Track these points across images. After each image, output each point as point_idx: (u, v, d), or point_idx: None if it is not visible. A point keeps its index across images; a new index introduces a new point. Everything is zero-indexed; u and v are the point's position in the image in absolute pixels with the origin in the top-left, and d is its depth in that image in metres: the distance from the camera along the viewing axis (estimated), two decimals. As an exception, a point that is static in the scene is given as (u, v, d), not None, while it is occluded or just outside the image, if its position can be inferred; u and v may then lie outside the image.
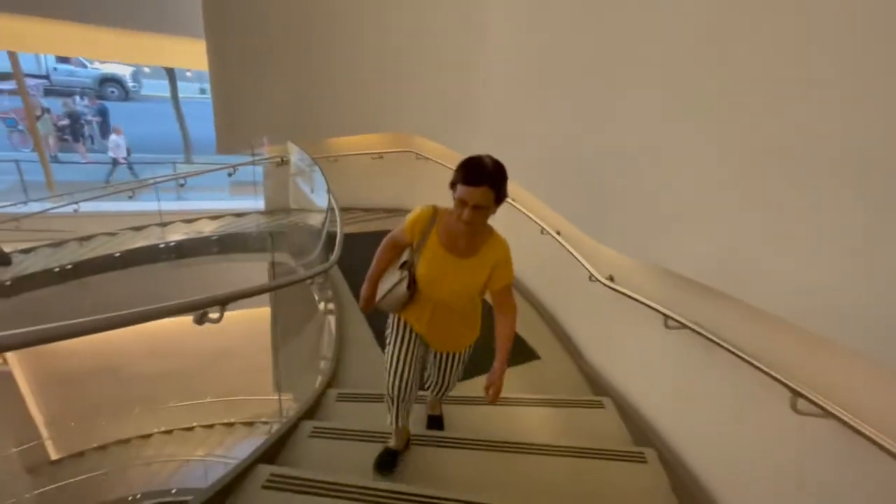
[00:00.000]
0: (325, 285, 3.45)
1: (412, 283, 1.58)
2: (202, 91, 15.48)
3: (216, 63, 4.61)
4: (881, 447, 1.18)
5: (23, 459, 6.12)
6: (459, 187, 1.34)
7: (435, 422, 2.20)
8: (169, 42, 6.16)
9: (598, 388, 2.68)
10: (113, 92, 14.00)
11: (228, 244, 4.71)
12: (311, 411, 2.24)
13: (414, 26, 4.26)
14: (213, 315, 1.35)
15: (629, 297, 2.32)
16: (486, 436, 2.09)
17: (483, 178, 1.31)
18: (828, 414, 1.31)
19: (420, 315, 1.66)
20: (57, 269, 4.95)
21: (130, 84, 14.48)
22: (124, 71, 14.29)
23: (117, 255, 4.91)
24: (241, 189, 7.81)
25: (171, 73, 10.75)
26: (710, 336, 1.80)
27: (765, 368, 1.53)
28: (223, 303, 1.35)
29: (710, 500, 1.82)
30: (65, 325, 1.06)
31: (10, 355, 6.34)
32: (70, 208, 5.49)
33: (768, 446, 1.63)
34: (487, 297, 1.67)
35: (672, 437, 2.13)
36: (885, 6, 1.12)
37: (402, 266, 1.60)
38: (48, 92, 12.95)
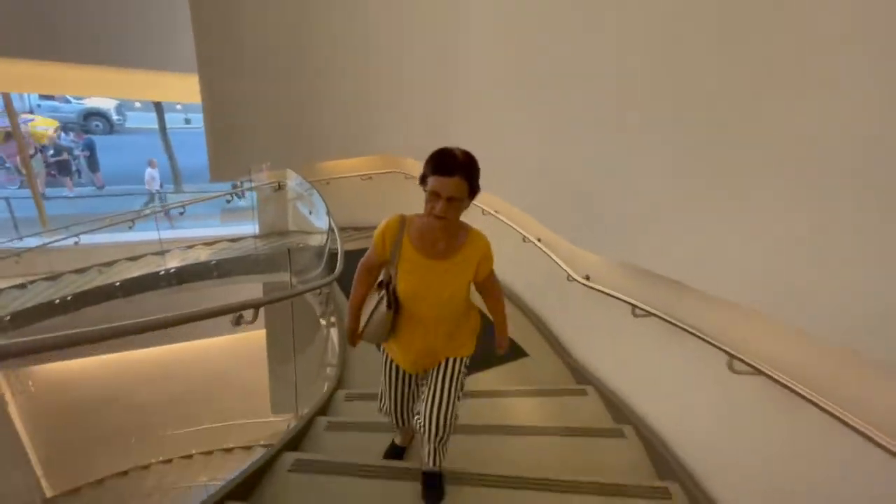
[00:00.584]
0: (327, 299, 3.68)
1: (393, 302, 1.46)
2: (188, 121, 15.71)
3: (208, 95, 4.87)
4: (804, 398, 1.48)
5: (19, 499, 6.07)
6: (431, 179, 1.28)
7: (432, 482, 1.76)
8: (161, 77, 6.43)
9: (581, 378, 2.96)
10: (98, 126, 14.13)
11: (228, 268, 4.92)
12: (323, 409, 2.47)
13: (396, 52, 4.60)
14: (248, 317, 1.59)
15: (602, 292, 2.62)
16: (482, 421, 2.34)
17: (455, 167, 1.26)
18: (757, 371, 1.62)
19: (410, 341, 1.53)
20: (57, 301, 5.07)
21: (115, 117, 14.64)
22: (108, 104, 14.46)
23: (117, 283, 5.06)
24: (231, 216, 8.02)
25: (158, 106, 10.98)
26: (668, 319, 2.11)
27: (705, 337, 1.84)
28: (257, 306, 1.60)
29: (682, 465, 2.09)
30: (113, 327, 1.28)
31: (4, 389, 6.34)
32: (71, 241, 5.64)
33: (719, 406, 1.92)
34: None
35: (646, 413, 2.41)
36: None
37: (380, 286, 1.51)
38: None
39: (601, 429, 2.35)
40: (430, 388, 1.60)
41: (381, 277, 1.54)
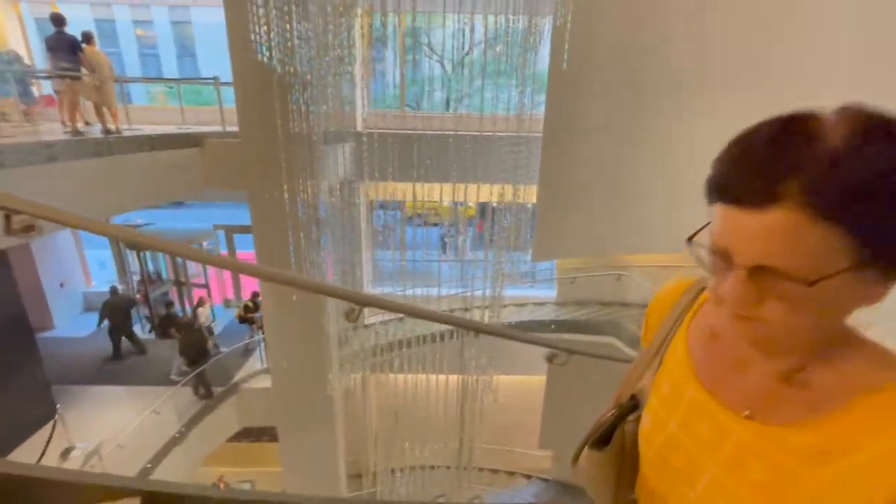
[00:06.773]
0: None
1: (622, 444, 0.64)
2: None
3: (544, 195, 6.24)
4: None
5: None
6: (716, 209, 0.45)
7: None
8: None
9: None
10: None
11: (563, 326, 7.08)
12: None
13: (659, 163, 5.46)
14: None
15: None
16: None
17: (761, 179, 0.39)
18: None
19: None
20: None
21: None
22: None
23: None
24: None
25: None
26: None
27: None
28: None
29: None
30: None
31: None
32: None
33: None
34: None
35: None
36: None
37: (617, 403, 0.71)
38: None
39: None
40: None
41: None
